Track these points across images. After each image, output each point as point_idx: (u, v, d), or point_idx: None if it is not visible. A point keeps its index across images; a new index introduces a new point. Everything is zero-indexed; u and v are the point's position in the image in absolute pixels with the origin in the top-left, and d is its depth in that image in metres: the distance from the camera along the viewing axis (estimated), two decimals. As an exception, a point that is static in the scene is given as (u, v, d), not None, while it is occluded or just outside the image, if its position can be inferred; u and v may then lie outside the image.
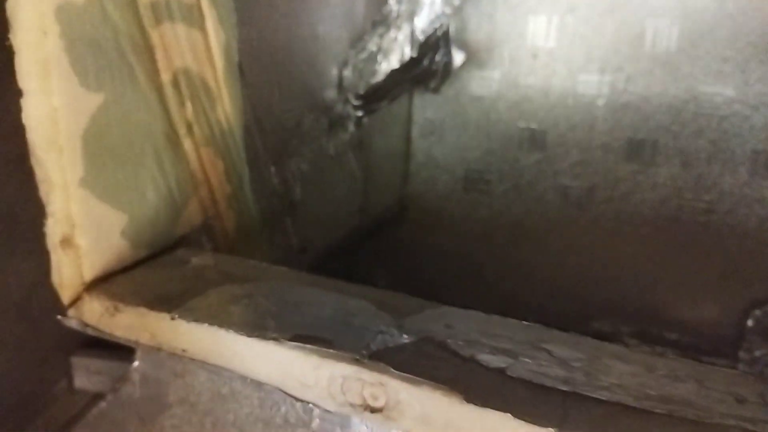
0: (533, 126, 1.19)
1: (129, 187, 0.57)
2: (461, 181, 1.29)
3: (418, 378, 0.43)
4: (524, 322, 0.53)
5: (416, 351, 0.47)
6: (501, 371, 0.45)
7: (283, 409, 0.51)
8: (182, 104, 0.62)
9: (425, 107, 1.25)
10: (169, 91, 0.60)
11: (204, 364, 0.54)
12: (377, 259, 1.41)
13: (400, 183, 1.30)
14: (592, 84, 1.13)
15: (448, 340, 0.48)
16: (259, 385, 0.54)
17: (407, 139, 1.29)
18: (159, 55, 0.58)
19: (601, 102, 1.13)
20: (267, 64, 0.75)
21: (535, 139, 1.20)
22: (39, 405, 1.00)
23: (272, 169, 0.80)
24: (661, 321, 1.25)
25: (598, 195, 1.20)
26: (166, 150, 0.61)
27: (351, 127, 1.00)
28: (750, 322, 1.17)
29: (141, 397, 0.64)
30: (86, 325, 0.55)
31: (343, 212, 1.05)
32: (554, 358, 0.47)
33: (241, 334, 0.48)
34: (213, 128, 0.67)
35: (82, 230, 0.53)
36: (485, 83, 1.19)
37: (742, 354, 1.18)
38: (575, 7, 1.09)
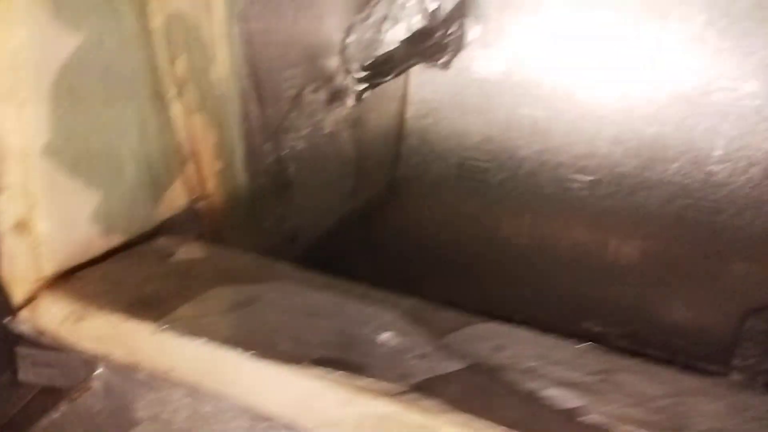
0: (537, 113, 1.11)
1: (104, 158, 0.46)
2: (455, 168, 1.21)
3: (477, 420, 0.35)
4: (583, 345, 0.45)
5: (467, 382, 0.38)
6: (571, 415, 0.37)
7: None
8: (174, 58, 0.51)
9: (422, 86, 1.16)
10: (159, 40, 0.48)
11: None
12: (362, 247, 1.31)
13: (390, 167, 1.21)
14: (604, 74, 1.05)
15: (503, 371, 0.40)
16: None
17: (401, 119, 1.19)
18: (150, -4, 0.46)
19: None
20: (269, 20, 0.64)
21: (538, 128, 1.12)
22: None
23: (268, 144, 0.69)
24: (654, 323, 1.21)
25: (600, 190, 1.14)
26: (151, 114, 0.49)
27: (350, 102, 0.89)
28: (746, 329, 1.13)
29: (103, 410, 0.54)
30: (42, 332, 0.44)
31: (335, 196, 0.95)
32: (631, 396, 0.39)
33: (251, 355, 0.38)
34: (206, 91, 0.55)
35: (44, 211, 0.42)
36: (489, 64, 1.10)
37: (736, 361, 1.15)
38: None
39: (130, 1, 0.44)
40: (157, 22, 0.47)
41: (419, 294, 0.48)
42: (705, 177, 1.07)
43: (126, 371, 0.50)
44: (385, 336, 0.42)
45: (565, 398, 0.38)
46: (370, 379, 0.37)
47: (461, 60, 1.07)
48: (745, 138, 1.03)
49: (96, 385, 0.54)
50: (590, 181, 1.12)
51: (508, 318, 0.47)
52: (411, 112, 1.19)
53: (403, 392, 0.36)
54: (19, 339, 0.97)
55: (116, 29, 0.43)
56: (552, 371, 0.40)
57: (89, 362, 0.53)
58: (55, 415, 0.59)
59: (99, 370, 0.53)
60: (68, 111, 0.41)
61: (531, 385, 0.39)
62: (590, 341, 0.45)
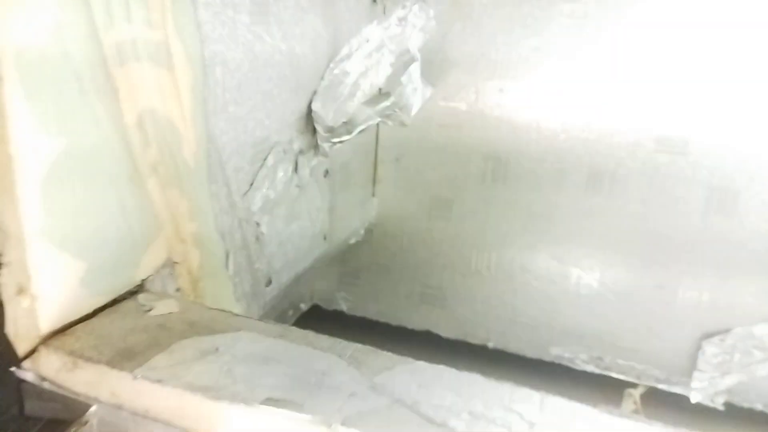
0: (497, 155, 1.21)
1: (89, 234, 0.55)
2: (427, 206, 1.30)
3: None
4: (494, 381, 0.53)
5: (389, 416, 0.47)
6: (474, 439, 0.45)
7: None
8: (147, 145, 0.60)
9: (390, 134, 1.25)
10: (133, 133, 0.57)
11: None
12: (340, 284, 1.40)
13: (365, 208, 1.30)
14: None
15: (421, 405, 0.48)
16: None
17: (374, 163, 1.29)
18: (123, 96, 0.56)
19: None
20: (234, 99, 0.73)
21: (499, 169, 1.21)
22: None
23: (238, 203, 0.78)
24: (617, 348, 1.28)
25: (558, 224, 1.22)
26: (129, 193, 0.58)
27: (318, 158, 0.99)
28: (701, 352, 1.21)
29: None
30: (43, 378, 0.52)
31: (308, 241, 1.04)
32: (525, 421, 0.47)
33: (209, 398, 0.46)
34: (178, 168, 0.65)
35: (39, 281, 0.51)
36: (451, 113, 1.20)
37: (695, 383, 1.22)
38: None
39: (105, 105, 0.53)
40: (130, 118, 0.56)
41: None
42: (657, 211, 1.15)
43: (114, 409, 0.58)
44: (326, 379, 0.50)
45: (470, 427, 0.46)
46: (308, 415, 0.45)
47: (421, 113, 1.17)
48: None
49: (92, 420, 0.62)
50: (550, 216, 1.21)
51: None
52: (381, 158, 1.29)
53: (333, 424, 0.45)
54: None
55: (95, 130, 0.52)
56: (462, 404, 0.49)
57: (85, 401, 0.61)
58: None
59: (93, 408, 0.61)
60: (57, 200, 0.50)
61: (442, 415, 0.47)
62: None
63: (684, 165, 1.11)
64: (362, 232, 1.32)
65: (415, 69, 0.98)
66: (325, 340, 0.57)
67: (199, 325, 0.57)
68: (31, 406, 1.07)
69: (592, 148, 1.14)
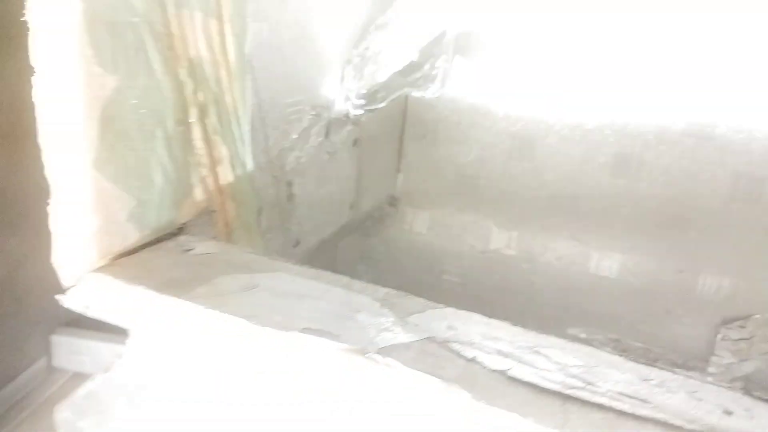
0: (523, 134, 1.22)
1: (138, 171, 0.57)
2: (452, 183, 1.31)
3: (427, 375, 0.45)
4: (522, 328, 0.55)
5: (422, 350, 0.48)
6: (502, 373, 0.47)
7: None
8: (194, 92, 0.62)
9: (419, 108, 1.27)
10: (183, 78, 0.60)
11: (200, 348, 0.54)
12: (362, 256, 1.42)
13: (390, 182, 1.32)
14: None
15: (452, 343, 0.50)
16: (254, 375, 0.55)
17: (400, 138, 1.31)
18: (177, 42, 0.58)
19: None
20: (275, 58, 0.75)
21: (525, 148, 1.22)
22: (18, 382, 0.99)
23: (274, 160, 0.80)
24: (635, 331, 1.29)
25: (582, 205, 1.23)
26: (175, 136, 0.61)
27: (349, 125, 1.01)
28: (719, 338, 1.21)
29: (132, 380, 0.64)
30: (89, 307, 0.55)
31: (335, 207, 1.06)
32: (553, 363, 0.49)
33: (254, 324, 0.49)
34: (222, 117, 0.67)
35: (91, 212, 0.53)
36: (480, 89, 1.21)
37: (711, 369, 1.22)
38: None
39: (159, 50, 0.56)
40: (181, 64, 0.59)
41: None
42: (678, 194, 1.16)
43: (151, 346, 0.61)
44: (360, 315, 0.52)
45: (499, 363, 0.48)
46: (345, 344, 0.48)
47: (451, 87, 1.19)
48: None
49: (125, 358, 0.64)
50: (574, 195, 1.22)
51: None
52: (409, 131, 1.30)
53: (370, 353, 0.47)
54: (55, 329, 1.09)
55: (147, 71, 0.55)
56: (491, 344, 0.50)
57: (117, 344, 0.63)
58: (90, 384, 0.69)
59: (128, 345, 0.64)
60: (110, 134, 0.52)
61: (472, 352, 0.49)
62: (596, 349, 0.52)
63: (710, 150, 1.11)
64: (386, 205, 1.34)
65: (448, 42, 0.99)
66: (358, 284, 0.59)
67: (237, 264, 0.59)
68: (59, 359, 1.11)
69: (621, 131, 1.15)
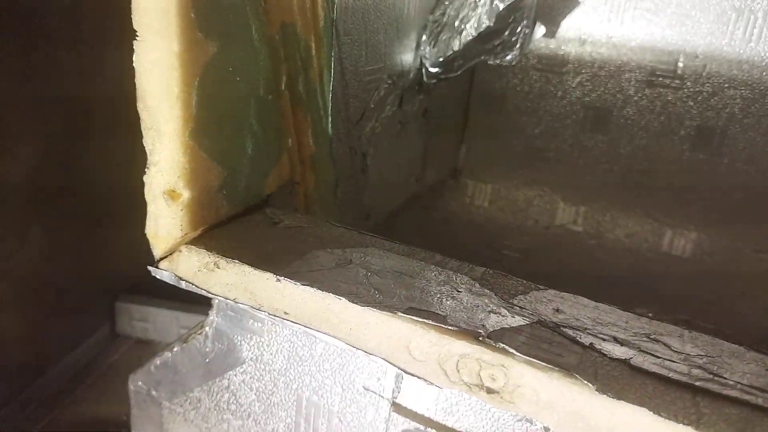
0: (598, 104, 1.16)
1: (231, 142, 0.56)
2: (518, 155, 1.27)
3: (545, 363, 0.42)
4: (632, 314, 0.52)
5: (533, 334, 0.46)
6: (625, 362, 0.44)
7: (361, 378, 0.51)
8: (284, 59, 0.60)
9: (487, 77, 1.22)
10: (276, 44, 0.57)
11: (284, 324, 0.53)
12: (420, 230, 1.40)
13: (454, 154, 1.28)
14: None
15: (563, 329, 0.47)
16: (341, 351, 0.53)
17: (465, 107, 1.26)
18: (272, 6, 0.55)
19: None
20: (358, 25, 0.72)
21: (599, 119, 1.17)
22: (83, 348, 1.01)
23: (352, 130, 0.78)
24: (707, 313, 1.24)
25: (658, 180, 1.18)
26: (266, 106, 0.59)
27: (422, 95, 0.97)
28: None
29: (211, 351, 0.64)
30: (181, 279, 0.54)
31: (403, 179, 1.04)
32: (674, 352, 0.46)
33: (354, 303, 0.47)
34: (307, 86, 0.64)
35: (187, 182, 0.52)
36: (554, 57, 1.15)
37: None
38: None
39: (255, 13, 0.53)
40: (274, 30, 0.56)
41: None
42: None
43: (234, 319, 0.60)
44: (462, 295, 0.50)
45: (620, 351, 0.45)
46: (453, 327, 0.45)
47: (527, 55, 1.14)
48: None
49: (206, 330, 0.64)
50: (647, 171, 1.16)
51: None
52: (476, 102, 1.26)
53: (480, 336, 0.45)
54: (118, 295, 1.10)
55: (244, 36, 0.52)
56: (605, 330, 0.48)
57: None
58: (167, 354, 0.69)
59: (210, 318, 0.63)
60: (207, 103, 0.50)
61: (588, 338, 0.46)
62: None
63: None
64: (448, 179, 1.31)
65: (528, 6, 0.94)
66: (452, 262, 0.56)
67: (327, 239, 0.57)
68: (122, 326, 1.12)
69: (704, 102, 1.08)
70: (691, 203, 1.16)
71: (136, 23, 0.47)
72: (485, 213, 1.35)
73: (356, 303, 0.47)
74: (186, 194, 0.52)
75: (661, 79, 1.09)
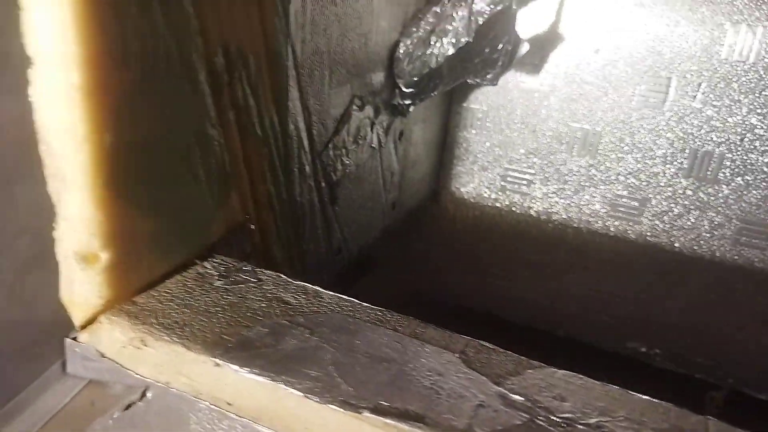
0: (586, 126, 1.08)
1: (161, 187, 0.46)
2: (499, 178, 1.18)
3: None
4: (643, 396, 0.43)
5: (533, 436, 0.37)
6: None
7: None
8: (229, 85, 0.50)
9: (467, 96, 1.14)
10: (216, 69, 0.48)
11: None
12: (405, 260, 1.30)
13: (433, 177, 1.19)
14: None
15: (569, 426, 0.38)
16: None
17: (445, 129, 1.18)
18: (208, 23, 0.46)
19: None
20: (319, 41, 0.63)
21: (586, 141, 1.09)
22: (30, 389, 0.90)
23: (316, 160, 0.69)
24: (698, 347, 1.17)
25: (649, 209, 1.10)
26: (205, 140, 0.49)
27: (396, 116, 0.88)
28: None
29: (155, 420, 0.54)
30: (104, 356, 0.44)
31: (379, 207, 0.94)
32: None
33: (310, 398, 0.37)
34: (259, 115, 0.55)
35: (105, 241, 0.42)
36: (539, 76, 1.08)
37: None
38: None
39: (185, 31, 0.44)
40: (212, 52, 0.47)
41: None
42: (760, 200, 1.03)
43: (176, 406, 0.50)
44: (443, 381, 0.41)
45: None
46: (436, 430, 0.36)
47: (508, 74, 1.06)
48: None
49: (149, 395, 0.54)
50: (641, 198, 1.09)
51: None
52: (455, 122, 1.17)
53: (469, 445, 0.35)
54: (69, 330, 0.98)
55: (169, 60, 0.43)
56: (619, 427, 0.39)
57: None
58: (108, 420, 0.59)
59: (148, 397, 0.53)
60: (127, 145, 0.41)
61: (600, 441, 0.37)
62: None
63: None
64: (428, 203, 1.22)
65: (510, 23, 0.86)
66: (432, 330, 0.47)
67: (281, 301, 0.48)
68: (74, 366, 1.01)
69: (699, 131, 1.01)
70: (684, 227, 1.09)
71: (31, 47, 0.37)
72: (468, 237, 1.26)
73: (314, 398, 0.38)
74: (104, 255, 0.42)
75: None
